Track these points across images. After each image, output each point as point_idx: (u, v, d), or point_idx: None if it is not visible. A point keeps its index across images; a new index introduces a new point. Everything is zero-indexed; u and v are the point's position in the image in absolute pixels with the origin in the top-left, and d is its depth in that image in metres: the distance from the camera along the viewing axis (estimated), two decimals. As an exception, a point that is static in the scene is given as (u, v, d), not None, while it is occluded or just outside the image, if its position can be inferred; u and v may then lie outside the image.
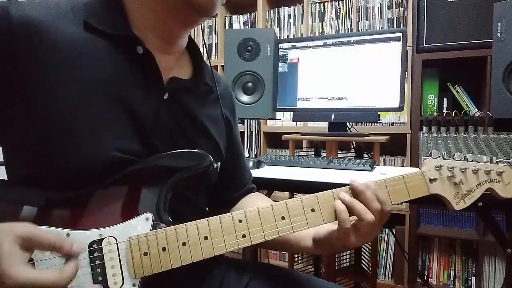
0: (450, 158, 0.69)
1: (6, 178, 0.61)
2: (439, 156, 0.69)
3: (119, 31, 0.60)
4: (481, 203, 0.87)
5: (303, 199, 0.62)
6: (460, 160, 0.69)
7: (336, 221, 0.62)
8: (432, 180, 0.67)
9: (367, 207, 0.61)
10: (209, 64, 0.78)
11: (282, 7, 2.49)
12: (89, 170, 0.56)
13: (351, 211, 0.61)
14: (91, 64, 0.58)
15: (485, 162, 0.69)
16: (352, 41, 1.48)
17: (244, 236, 0.58)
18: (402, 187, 0.65)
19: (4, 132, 0.58)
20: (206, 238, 0.57)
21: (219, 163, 0.65)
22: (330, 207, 0.62)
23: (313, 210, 0.61)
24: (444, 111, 2.01)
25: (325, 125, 1.57)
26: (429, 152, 0.70)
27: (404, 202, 0.66)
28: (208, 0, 0.61)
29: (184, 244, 0.56)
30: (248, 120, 1.63)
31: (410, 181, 0.66)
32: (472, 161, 0.69)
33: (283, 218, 0.60)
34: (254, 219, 0.59)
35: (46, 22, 0.55)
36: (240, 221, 0.59)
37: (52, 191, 0.55)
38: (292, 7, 2.47)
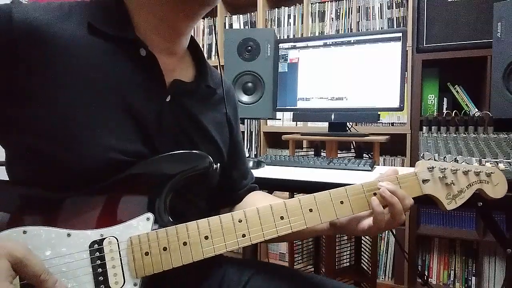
0: (441, 160, 0.72)
1: (6, 178, 0.61)
2: (431, 158, 0.71)
3: (122, 33, 0.61)
4: (481, 203, 0.88)
5: (301, 200, 0.63)
6: (451, 162, 0.71)
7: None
8: (424, 181, 0.69)
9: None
10: (219, 66, 0.78)
11: (282, 7, 2.49)
12: (90, 171, 0.56)
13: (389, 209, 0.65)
14: (94, 65, 0.58)
15: (474, 164, 0.71)
16: (352, 41, 1.48)
17: (244, 235, 0.59)
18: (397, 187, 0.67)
19: (7, 132, 0.58)
20: (206, 237, 0.57)
21: (218, 164, 0.65)
22: (327, 207, 0.64)
23: (311, 210, 0.63)
24: (444, 111, 2.01)
25: (325, 125, 1.57)
26: (422, 154, 0.72)
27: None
28: None
29: (185, 243, 0.56)
30: (248, 120, 1.64)
31: (404, 182, 0.68)
32: (462, 162, 0.71)
33: (282, 218, 0.61)
34: (253, 219, 0.60)
35: (49, 24, 0.56)
36: (240, 221, 0.59)
37: (53, 191, 0.55)
38: (292, 7, 2.47)
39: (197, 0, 0.62)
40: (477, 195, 0.73)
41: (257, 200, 0.86)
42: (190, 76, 0.73)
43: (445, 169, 0.69)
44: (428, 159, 0.71)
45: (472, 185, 0.70)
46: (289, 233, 0.61)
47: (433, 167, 0.69)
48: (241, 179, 0.87)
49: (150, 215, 0.57)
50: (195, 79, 0.73)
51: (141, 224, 0.56)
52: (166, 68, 0.64)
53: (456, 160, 0.71)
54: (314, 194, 0.64)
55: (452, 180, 0.69)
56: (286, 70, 1.59)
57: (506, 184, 0.71)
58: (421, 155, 0.72)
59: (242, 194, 0.86)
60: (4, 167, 0.62)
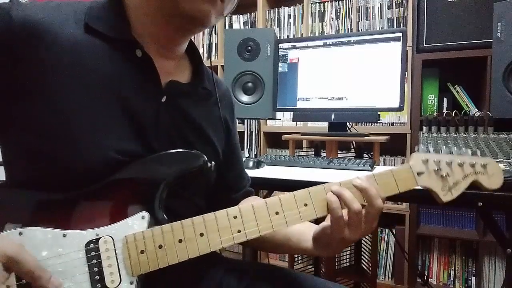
0: (436, 153, 0.71)
1: (4, 179, 0.61)
2: (425, 151, 0.71)
3: (119, 34, 0.61)
4: (481, 203, 0.87)
5: (296, 194, 0.62)
6: (445, 154, 0.71)
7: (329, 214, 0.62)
8: (419, 174, 0.68)
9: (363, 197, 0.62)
10: (209, 67, 0.78)
11: (282, 7, 2.49)
12: (88, 171, 0.56)
13: (340, 200, 0.61)
14: (91, 66, 0.58)
15: (469, 155, 0.71)
16: (352, 41, 1.48)
17: (239, 231, 0.59)
18: (391, 180, 0.67)
19: (5, 132, 0.58)
20: (202, 234, 0.57)
21: (213, 163, 0.65)
22: (322, 200, 0.63)
23: (306, 205, 0.62)
24: (444, 111, 2.01)
25: (325, 125, 1.57)
26: (416, 147, 0.72)
27: (394, 195, 0.67)
28: (202, 11, 0.61)
29: (180, 241, 0.56)
30: (248, 120, 1.63)
31: (398, 175, 0.67)
32: (457, 155, 0.71)
33: (277, 213, 0.61)
34: (248, 214, 0.60)
35: (47, 23, 0.56)
36: (235, 217, 0.59)
37: (50, 191, 0.55)
38: (292, 7, 2.47)
39: (189, 21, 0.62)
40: (477, 195, 0.72)
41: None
42: (187, 77, 0.73)
43: (439, 161, 0.69)
44: (423, 152, 0.70)
45: (467, 176, 0.70)
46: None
47: (427, 160, 0.69)
48: (237, 179, 0.87)
49: (145, 213, 0.57)
50: (191, 80, 0.73)
51: (136, 223, 0.56)
52: (163, 69, 0.65)
53: (450, 153, 0.71)
54: (308, 188, 0.63)
55: (447, 172, 0.69)
56: (286, 70, 1.59)
57: (501, 175, 0.70)
58: (416, 148, 0.71)
59: (239, 197, 0.86)
60: (1, 167, 0.62)
